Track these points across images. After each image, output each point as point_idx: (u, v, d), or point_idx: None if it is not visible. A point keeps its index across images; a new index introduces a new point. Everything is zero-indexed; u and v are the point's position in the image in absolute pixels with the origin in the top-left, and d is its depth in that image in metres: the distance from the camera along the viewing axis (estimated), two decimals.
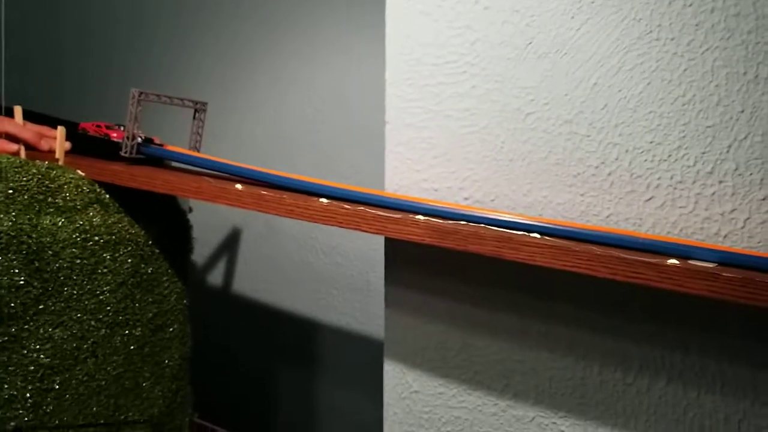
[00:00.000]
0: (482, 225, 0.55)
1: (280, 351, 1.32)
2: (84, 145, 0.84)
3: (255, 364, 1.35)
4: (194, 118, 0.86)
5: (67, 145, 0.82)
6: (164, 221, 0.81)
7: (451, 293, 0.69)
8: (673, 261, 0.45)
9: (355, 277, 1.21)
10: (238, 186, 0.63)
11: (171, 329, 0.81)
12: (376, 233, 0.56)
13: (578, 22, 0.62)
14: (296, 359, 1.30)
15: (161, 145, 0.83)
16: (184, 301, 0.84)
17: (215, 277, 1.38)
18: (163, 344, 0.80)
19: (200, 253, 1.40)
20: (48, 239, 0.65)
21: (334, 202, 0.59)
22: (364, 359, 1.21)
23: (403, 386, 0.73)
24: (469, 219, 0.56)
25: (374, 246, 1.16)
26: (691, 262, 0.48)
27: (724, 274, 0.43)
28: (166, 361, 0.81)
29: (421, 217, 0.55)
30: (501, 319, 0.67)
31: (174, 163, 0.87)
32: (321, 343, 1.26)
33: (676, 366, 0.59)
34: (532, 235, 0.52)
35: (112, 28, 1.54)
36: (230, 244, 1.35)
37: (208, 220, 1.35)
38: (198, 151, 0.86)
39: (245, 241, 1.33)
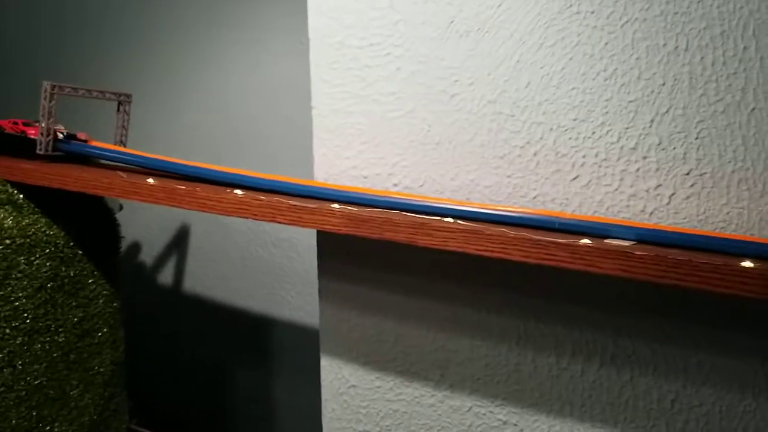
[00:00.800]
0: (397, 210, 0.53)
1: (233, 349, 1.29)
2: (1, 143, 0.79)
3: (207, 363, 1.32)
4: (118, 110, 0.82)
5: None
6: (88, 221, 0.78)
7: (383, 284, 0.67)
8: (585, 241, 0.44)
9: (307, 271, 1.18)
10: (150, 180, 0.60)
11: (100, 334, 0.77)
12: (292, 224, 0.54)
13: None
14: (250, 356, 1.27)
15: (85, 141, 0.79)
16: (114, 304, 0.80)
17: (165, 277, 1.34)
18: (92, 350, 0.76)
19: (149, 253, 1.36)
20: None
21: (249, 194, 0.57)
22: (318, 355, 1.19)
23: (339, 381, 0.71)
24: (385, 205, 0.54)
25: None
26: (608, 241, 0.47)
27: (636, 252, 0.42)
28: (96, 368, 0.77)
29: (336, 205, 0.53)
30: (434, 309, 0.65)
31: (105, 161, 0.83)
32: (275, 340, 1.23)
33: (608, 349, 0.58)
34: (446, 219, 0.50)
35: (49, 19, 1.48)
36: (179, 241, 1.31)
37: (155, 218, 1.31)
38: (124, 145, 0.83)
39: (194, 237, 1.29)
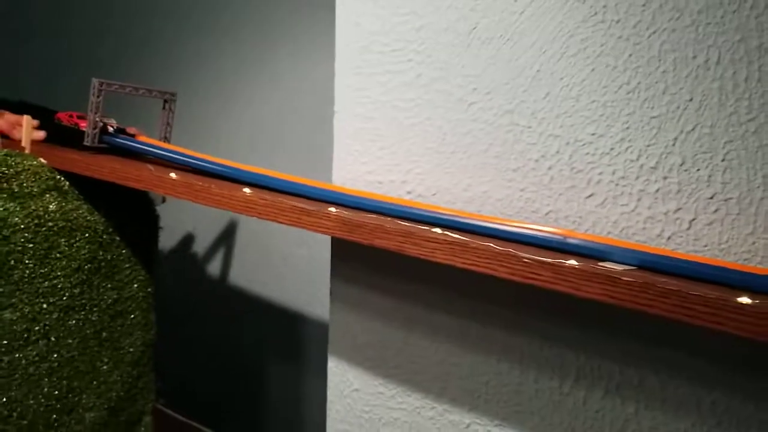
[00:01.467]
0: (390, 217, 0.52)
1: (268, 343, 1.32)
2: (59, 134, 0.86)
3: (243, 355, 1.36)
4: (164, 108, 0.87)
5: (41, 134, 0.84)
6: (129, 210, 0.83)
7: (392, 290, 0.67)
8: (572, 262, 0.41)
9: None
10: (173, 175, 0.63)
11: (132, 316, 0.82)
12: (292, 225, 0.55)
13: (522, 5, 0.58)
14: (284, 351, 1.30)
15: (133, 135, 0.84)
16: (148, 289, 0.85)
17: (213, 269, 1.40)
18: (124, 330, 0.81)
19: (200, 244, 1.43)
20: None
21: (257, 192, 0.58)
22: None
23: (345, 384, 0.71)
24: (376, 209, 0.54)
25: None
26: (606, 264, 0.44)
27: (624, 278, 0.39)
28: (127, 347, 0.82)
29: (333, 209, 0.53)
30: (440, 320, 0.64)
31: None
32: (308, 337, 1.25)
33: (613, 377, 0.54)
34: (435, 230, 0.49)
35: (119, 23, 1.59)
36: (227, 236, 1.37)
37: (207, 212, 1.37)
38: (168, 141, 0.87)
39: (241, 232, 1.34)
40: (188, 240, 1.43)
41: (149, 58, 1.49)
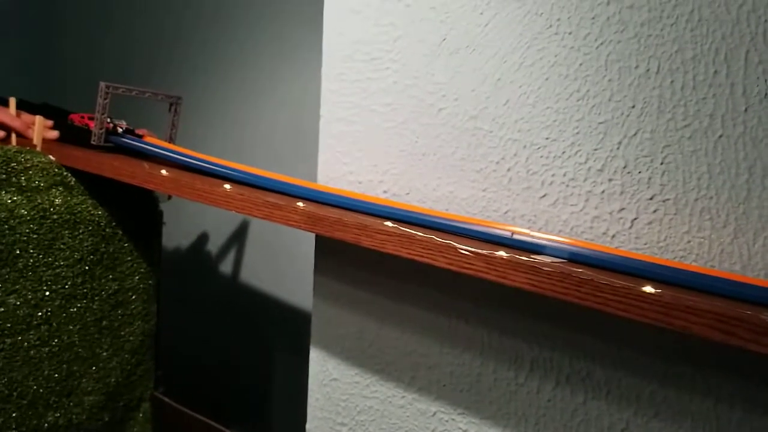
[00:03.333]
0: (352, 211, 0.57)
1: (274, 340, 1.37)
2: (72, 134, 0.93)
3: (249, 353, 1.41)
4: (169, 110, 0.93)
5: (54, 134, 0.91)
6: (133, 206, 0.88)
7: (368, 284, 0.71)
8: (501, 253, 0.45)
9: None
10: (163, 171, 0.68)
11: (133, 306, 0.88)
12: (264, 218, 0.59)
13: (486, 18, 0.62)
14: (290, 349, 1.34)
15: (141, 136, 0.90)
16: (150, 281, 0.90)
17: (224, 266, 1.46)
18: (124, 320, 0.87)
19: (215, 244, 1.49)
20: (4, 214, 0.73)
21: (236, 188, 0.63)
22: None
23: (324, 373, 0.75)
24: (339, 204, 0.58)
25: None
26: (537, 257, 0.47)
27: (544, 268, 0.43)
28: (127, 336, 0.87)
29: (301, 204, 0.58)
30: (410, 312, 0.67)
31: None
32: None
33: (564, 369, 0.57)
34: (386, 223, 0.53)
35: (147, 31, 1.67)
36: (239, 235, 1.42)
37: (221, 212, 1.43)
38: (173, 142, 0.93)
39: (252, 233, 1.40)
40: (203, 238, 1.50)
41: (180, 70, 1.57)
